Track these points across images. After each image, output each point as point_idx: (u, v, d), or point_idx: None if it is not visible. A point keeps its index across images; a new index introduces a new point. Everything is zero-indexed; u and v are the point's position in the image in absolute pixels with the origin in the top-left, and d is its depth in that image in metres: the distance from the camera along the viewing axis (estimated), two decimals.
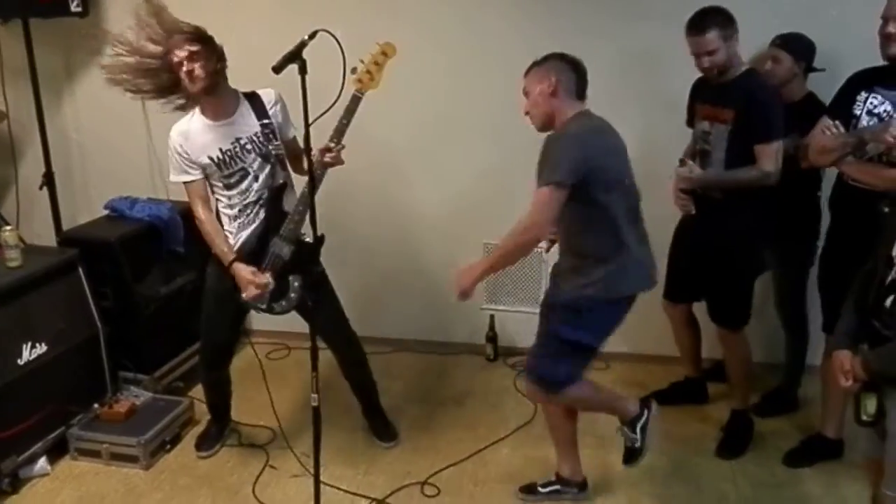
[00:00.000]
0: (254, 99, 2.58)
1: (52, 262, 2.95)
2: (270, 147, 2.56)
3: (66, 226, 3.50)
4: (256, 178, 2.58)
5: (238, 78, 2.60)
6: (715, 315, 2.83)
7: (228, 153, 2.54)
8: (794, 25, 2.84)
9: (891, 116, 2.38)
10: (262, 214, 2.60)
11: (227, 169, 2.56)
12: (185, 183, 2.61)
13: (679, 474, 2.77)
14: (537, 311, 2.50)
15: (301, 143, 2.53)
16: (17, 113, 3.65)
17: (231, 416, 3.03)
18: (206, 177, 2.60)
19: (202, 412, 3.07)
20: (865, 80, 2.47)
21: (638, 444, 2.44)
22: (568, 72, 2.24)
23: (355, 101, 2.46)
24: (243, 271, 2.53)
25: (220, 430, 2.98)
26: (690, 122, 2.88)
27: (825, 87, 2.78)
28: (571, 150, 2.16)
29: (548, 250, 2.63)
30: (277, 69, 2.01)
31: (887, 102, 2.41)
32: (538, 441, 2.89)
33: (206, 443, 2.95)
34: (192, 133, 2.54)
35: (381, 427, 2.99)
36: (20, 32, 3.33)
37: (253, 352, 3.01)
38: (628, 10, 3.13)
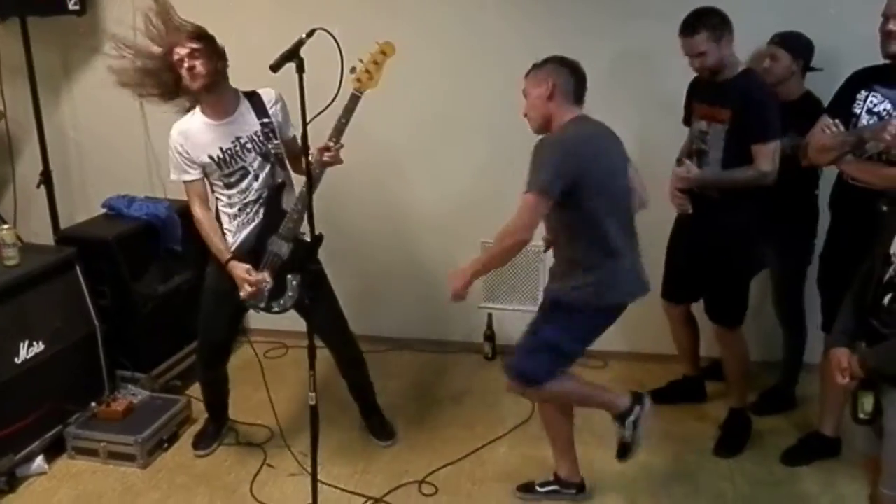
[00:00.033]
0: (254, 98, 2.58)
1: (49, 260, 2.94)
2: (270, 146, 2.56)
3: (63, 224, 3.49)
4: (257, 177, 2.58)
5: (237, 77, 2.59)
6: (712, 313, 2.84)
7: (229, 152, 2.54)
8: (792, 24, 2.83)
9: (890, 115, 2.37)
10: (261, 213, 2.60)
11: (227, 168, 2.56)
12: (184, 182, 2.61)
13: (677, 473, 2.77)
14: (535, 309, 2.51)
15: (300, 143, 2.55)
16: (15, 111, 3.64)
17: (228, 414, 3.03)
18: (206, 175, 2.60)
19: (200, 411, 3.07)
20: (866, 79, 2.47)
21: (629, 439, 2.43)
22: (566, 76, 2.25)
23: (354, 100, 2.46)
24: (238, 269, 2.54)
25: (217, 429, 2.98)
26: (687, 120, 2.87)
27: (823, 85, 2.78)
28: (557, 158, 2.16)
29: (546, 250, 2.63)
30: (275, 68, 2.01)
31: (887, 101, 2.41)
32: (536, 440, 2.89)
33: (203, 441, 2.94)
34: (193, 132, 2.54)
35: (378, 426, 2.99)
36: (18, 31, 3.32)
37: (250, 351, 3.01)
38: (626, 9, 3.13)
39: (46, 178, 3.47)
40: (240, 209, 2.60)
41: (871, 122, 2.41)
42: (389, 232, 3.60)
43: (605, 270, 2.25)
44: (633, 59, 3.15)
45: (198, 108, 2.56)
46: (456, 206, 3.45)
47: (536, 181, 2.15)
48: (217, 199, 2.65)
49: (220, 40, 2.50)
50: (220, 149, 2.53)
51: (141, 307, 3.19)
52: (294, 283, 2.59)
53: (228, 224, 2.63)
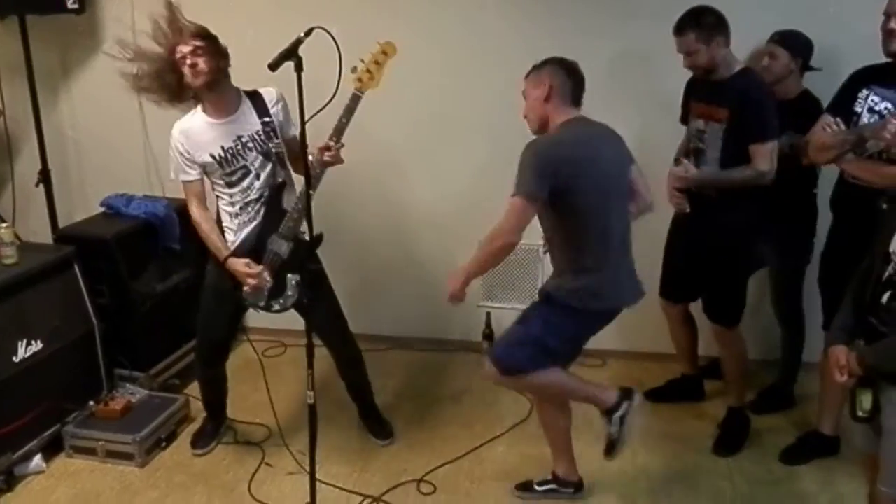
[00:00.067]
0: (255, 97, 2.58)
1: (48, 259, 2.94)
2: (271, 145, 2.57)
3: (62, 223, 3.48)
4: (258, 177, 2.58)
5: (236, 76, 2.59)
6: (710, 313, 2.84)
7: (230, 151, 2.54)
8: (792, 23, 2.84)
9: (891, 114, 2.37)
10: (262, 212, 2.60)
11: (228, 167, 2.56)
12: (182, 182, 2.61)
13: (675, 472, 2.77)
14: None
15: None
16: (14, 110, 3.63)
17: (227, 413, 3.02)
18: (208, 175, 2.60)
19: (198, 410, 3.07)
20: (867, 78, 2.47)
21: (615, 436, 2.39)
22: (563, 77, 2.25)
23: (355, 100, 2.46)
24: (237, 265, 2.54)
25: (215, 428, 2.98)
26: (684, 119, 2.88)
27: (821, 84, 2.78)
28: (537, 161, 2.16)
29: (546, 251, 2.63)
30: (273, 66, 2.01)
31: (887, 100, 2.40)
32: (534, 438, 2.89)
33: (201, 440, 2.94)
34: (194, 130, 2.55)
35: (376, 425, 2.99)
36: (17, 29, 3.32)
37: (249, 349, 3.01)
38: (626, 9, 3.13)
39: (45, 177, 3.47)
40: (241, 208, 2.60)
41: (872, 120, 2.41)
42: (389, 231, 3.60)
43: (596, 276, 2.24)
44: (632, 59, 3.15)
45: (199, 107, 2.56)
46: (455, 205, 3.45)
47: (520, 185, 2.17)
48: (218, 197, 2.65)
49: (220, 40, 2.50)
50: (222, 147, 2.53)
51: (139, 306, 3.19)
52: (294, 282, 2.59)
53: (229, 223, 2.63)
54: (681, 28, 2.59)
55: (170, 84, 2.50)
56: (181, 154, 2.55)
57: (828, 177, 2.79)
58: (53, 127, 3.66)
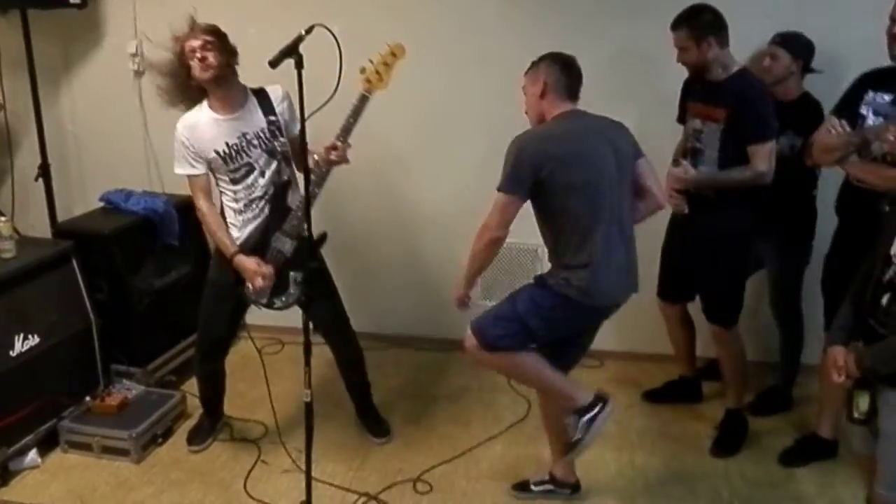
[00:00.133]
0: (261, 95, 2.59)
1: (46, 253, 2.94)
2: (276, 143, 2.57)
3: (61, 217, 3.47)
4: (262, 174, 2.58)
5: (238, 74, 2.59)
6: (708, 313, 2.83)
7: (234, 147, 2.54)
8: (793, 25, 2.83)
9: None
10: (267, 210, 2.60)
11: (232, 163, 2.56)
12: (188, 176, 2.61)
13: (673, 473, 2.76)
14: None
15: (307, 142, 2.56)
16: (15, 104, 3.63)
17: (223, 410, 3.02)
18: (212, 171, 2.60)
19: (194, 406, 3.06)
20: (873, 81, 2.46)
21: (579, 436, 2.32)
22: (558, 73, 2.26)
23: (363, 100, 2.46)
24: (248, 263, 2.54)
25: (212, 425, 2.97)
26: (682, 119, 2.87)
27: (822, 86, 2.78)
28: (516, 156, 2.18)
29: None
30: (274, 63, 2.02)
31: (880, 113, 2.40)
32: (531, 438, 2.88)
33: (198, 437, 2.93)
34: (199, 126, 2.55)
35: (373, 423, 2.98)
36: (18, 23, 3.31)
37: (246, 346, 3.00)
38: (625, 8, 3.13)
39: (44, 171, 3.46)
40: (245, 205, 2.60)
41: (877, 123, 2.40)
42: (389, 229, 3.60)
43: (580, 272, 2.20)
44: (631, 58, 3.15)
45: (205, 103, 2.56)
46: (457, 204, 3.44)
47: (502, 181, 2.19)
48: (222, 193, 2.65)
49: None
50: (226, 144, 2.54)
51: (137, 302, 3.18)
52: (297, 280, 2.58)
53: (233, 219, 2.63)
54: (676, 24, 2.62)
55: (181, 81, 2.52)
56: (186, 147, 2.55)
57: (828, 179, 2.78)
58: (54, 121, 3.66)
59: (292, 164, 2.65)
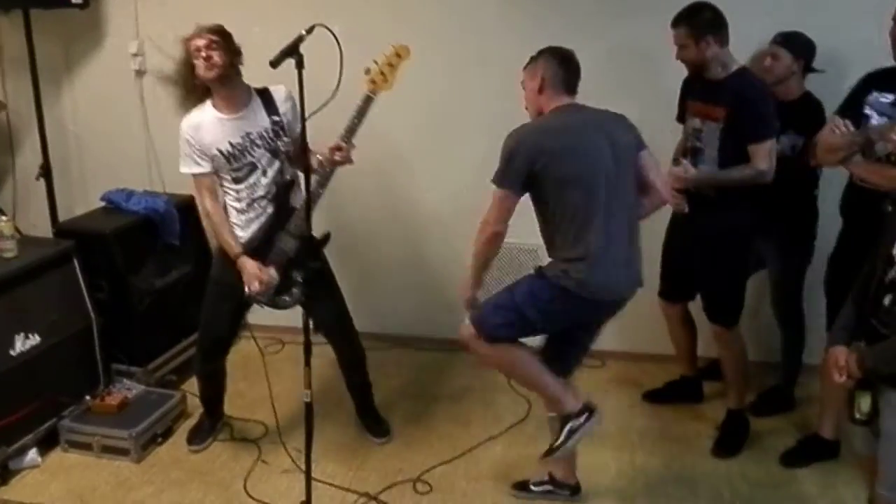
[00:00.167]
0: (265, 95, 2.59)
1: (47, 253, 2.94)
2: (279, 143, 2.57)
3: (62, 217, 3.48)
4: (265, 174, 2.59)
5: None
6: (709, 313, 2.82)
7: (238, 146, 2.55)
8: (794, 25, 2.82)
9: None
10: (270, 210, 2.60)
11: (235, 162, 2.56)
12: (193, 175, 2.61)
13: (674, 474, 2.75)
14: None
15: (310, 142, 2.55)
16: (16, 103, 3.65)
17: (224, 410, 3.01)
18: (216, 170, 2.60)
19: (194, 406, 3.06)
20: (877, 81, 2.46)
21: (559, 443, 2.33)
22: (555, 67, 2.26)
23: (368, 101, 2.47)
24: (249, 265, 2.54)
25: (212, 424, 2.97)
26: (681, 118, 2.87)
27: (824, 85, 2.77)
28: (515, 151, 2.19)
29: None
30: (274, 64, 2.02)
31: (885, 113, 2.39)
32: (532, 439, 2.88)
33: (198, 436, 2.93)
34: (203, 125, 2.55)
35: (373, 423, 2.98)
36: (21, 23, 3.32)
37: (246, 346, 3.00)
38: (625, 7, 3.12)
39: (46, 171, 3.46)
40: (248, 204, 2.61)
41: (881, 123, 2.39)
42: (391, 229, 3.59)
43: (579, 265, 2.18)
44: (631, 57, 3.14)
45: (209, 102, 2.57)
46: (458, 203, 3.42)
47: (497, 174, 2.20)
48: (225, 193, 2.65)
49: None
50: (230, 143, 2.54)
51: (138, 301, 3.18)
52: (299, 279, 2.58)
53: (236, 219, 2.63)
54: (676, 21, 2.62)
55: (186, 79, 2.53)
56: (191, 146, 2.56)
57: (830, 179, 2.78)
58: (55, 121, 3.67)
59: (295, 164, 2.65)
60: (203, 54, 2.44)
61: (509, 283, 2.96)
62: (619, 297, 2.28)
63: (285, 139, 2.58)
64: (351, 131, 2.47)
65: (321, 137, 2.54)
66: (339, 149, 2.46)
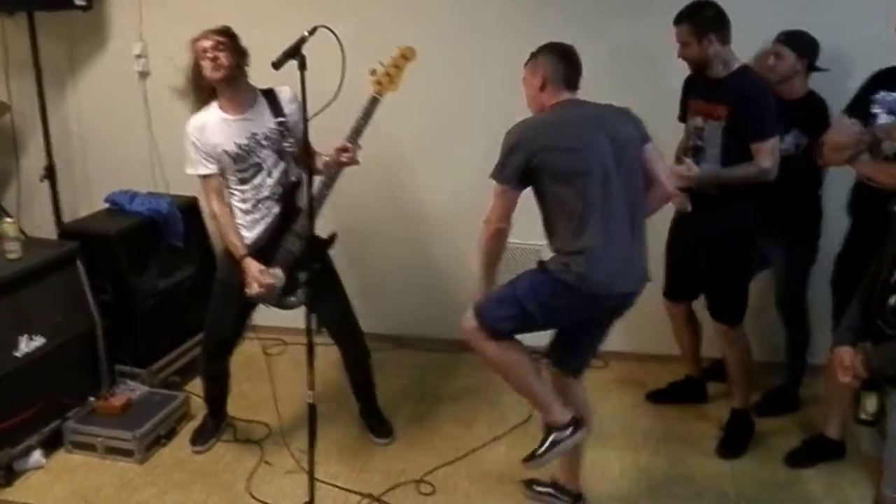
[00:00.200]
0: (271, 96, 2.60)
1: (51, 254, 2.95)
2: (285, 144, 2.58)
3: (66, 218, 3.50)
4: (270, 174, 2.59)
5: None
6: (713, 311, 2.81)
7: (244, 147, 2.56)
8: (798, 23, 2.81)
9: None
10: (275, 210, 2.61)
11: (241, 163, 2.57)
12: (200, 176, 2.61)
13: (678, 474, 2.74)
14: None
15: (314, 143, 2.56)
16: (21, 105, 3.65)
17: (227, 411, 3.01)
18: (222, 170, 2.60)
19: (198, 407, 3.06)
20: (884, 80, 2.45)
21: (541, 452, 2.34)
22: (555, 64, 2.25)
23: (373, 102, 2.48)
24: (252, 267, 2.55)
25: (215, 426, 2.97)
26: (683, 117, 2.86)
27: (828, 84, 2.76)
28: (511, 147, 2.19)
29: None
30: (277, 65, 2.03)
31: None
32: (536, 439, 2.81)
33: (201, 438, 2.93)
34: (209, 126, 2.56)
35: (377, 424, 2.98)
36: (25, 25, 3.34)
37: (250, 347, 3.00)
38: (626, 6, 3.12)
39: (50, 172, 3.48)
40: (253, 205, 2.61)
41: (889, 121, 2.39)
42: (394, 229, 3.59)
43: (579, 258, 2.16)
44: (633, 56, 3.14)
45: (214, 103, 2.57)
46: (461, 202, 3.42)
47: (495, 169, 2.21)
48: (231, 194, 2.65)
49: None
50: (236, 144, 2.55)
51: (141, 302, 3.19)
52: (304, 280, 2.59)
53: (241, 219, 2.64)
54: (678, 19, 2.62)
55: (195, 80, 2.54)
56: (197, 148, 2.56)
57: (835, 178, 2.76)
58: (59, 122, 3.67)
59: (301, 165, 2.65)
60: (210, 55, 2.45)
61: (508, 279, 2.95)
62: (620, 293, 2.23)
63: (290, 140, 2.58)
64: (357, 132, 2.48)
65: (325, 138, 2.55)
66: (344, 150, 2.47)
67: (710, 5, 2.58)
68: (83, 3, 3.37)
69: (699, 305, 2.95)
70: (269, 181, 2.59)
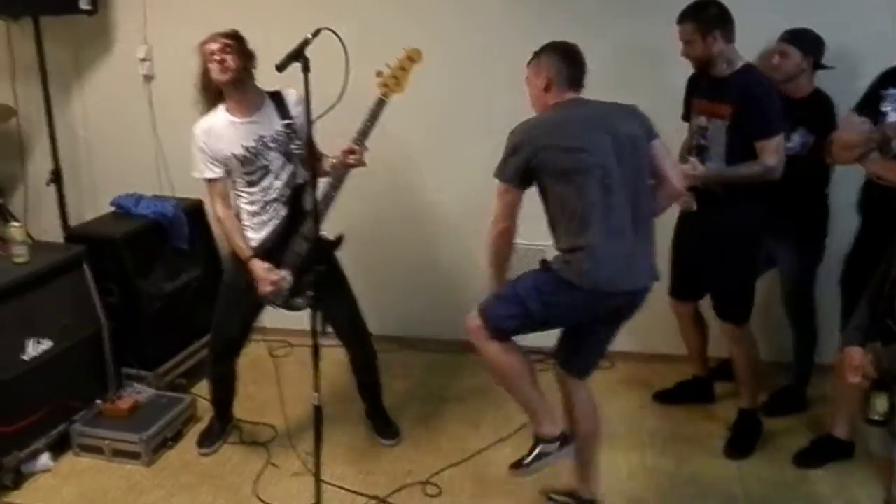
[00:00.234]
0: (278, 98, 2.61)
1: (57, 258, 2.95)
2: (292, 146, 2.58)
3: (72, 222, 3.51)
4: (278, 177, 2.60)
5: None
6: (719, 311, 2.80)
7: (252, 150, 2.56)
8: (802, 21, 2.80)
9: None
10: (283, 212, 2.61)
11: (249, 166, 2.58)
12: (206, 180, 2.62)
13: (686, 474, 2.73)
14: None
15: (320, 146, 2.57)
16: (27, 109, 3.66)
17: (233, 413, 3.02)
18: (229, 173, 2.61)
19: (204, 409, 3.07)
20: (895, 78, 2.43)
21: (527, 462, 2.34)
22: (559, 65, 2.24)
23: (380, 104, 2.49)
24: (259, 267, 2.55)
25: (222, 428, 2.97)
26: (686, 116, 2.85)
27: (834, 82, 2.74)
28: (512, 148, 2.20)
29: None
30: (280, 67, 2.03)
31: None
32: None
33: (207, 440, 2.94)
34: (216, 129, 2.56)
35: (383, 425, 2.98)
36: (31, 30, 3.35)
37: (256, 349, 3.00)
38: (629, 4, 3.12)
39: (56, 176, 3.49)
40: (261, 207, 2.62)
41: None
42: (401, 230, 3.59)
43: (580, 255, 2.15)
44: (636, 55, 3.13)
45: (221, 106, 2.58)
46: (466, 203, 3.42)
47: (497, 169, 2.22)
48: (238, 196, 2.66)
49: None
50: (243, 146, 2.55)
51: (147, 305, 3.19)
52: (311, 282, 2.59)
53: (248, 221, 2.64)
54: (682, 17, 2.61)
55: (204, 85, 2.55)
56: (204, 152, 2.57)
57: (845, 176, 2.74)
58: (65, 126, 3.69)
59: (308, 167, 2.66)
60: (217, 58, 2.46)
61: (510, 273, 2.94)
62: (623, 291, 2.20)
63: (298, 142, 2.58)
64: (364, 134, 2.49)
65: (332, 141, 2.55)
66: (351, 152, 2.48)
67: (713, 3, 2.58)
68: (88, 8, 3.37)
69: (705, 305, 2.93)
70: (278, 183, 2.60)
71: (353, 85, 2.12)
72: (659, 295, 2.58)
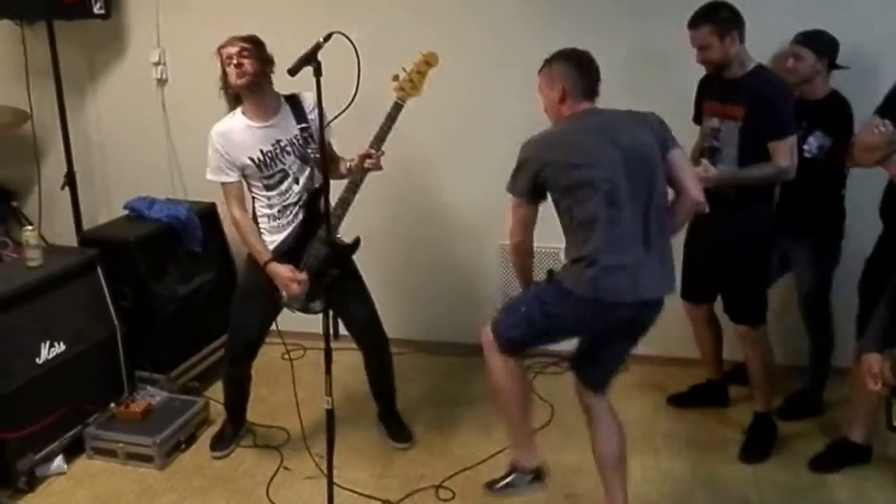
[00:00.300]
0: (295, 102, 2.61)
1: (71, 261, 2.97)
2: (309, 150, 2.59)
3: (86, 225, 3.52)
4: (297, 181, 2.60)
5: None
6: (732, 312, 2.78)
7: (269, 154, 2.57)
8: (815, 23, 2.78)
9: None
10: (300, 216, 2.62)
11: (267, 170, 2.58)
12: (222, 183, 2.62)
13: (700, 479, 2.71)
14: None
15: (337, 149, 2.57)
16: (41, 114, 3.69)
17: (247, 416, 3.02)
18: (246, 177, 2.62)
19: (217, 412, 3.07)
20: None
21: (500, 485, 2.37)
22: (573, 74, 2.20)
23: (397, 108, 2.50)
24: (281, 270, 2.55)
25: (235, 431, 2.98)
26: (697, 119, 2.84)
27: (851, 83, 2.72)
28: (521, 163, 2.20)
29: None
30: (293, 72, 2.03)
31: None
32: (555, 445, 2.85)
33: (220, 443, 2.94)
34: (234, 133, 2.57)
35: (396, 428, 2.97)
36: (44, 34, 3.38)
37: (269, 352, 3.00)
38: (641, 8, 3.11)
39: (70, 180, 3.51)
40: (279, 211, 2.63)
41: None
42: (416, 233, 3.59)
43: (583, 264, 2.12)
44: (648, 58, 3.12)
45: (238, 110, 2.59)
46: (481, 207, 3.42)
47: (508, 184, 2.23)
48: (255, 200, 2.66)
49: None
50: (261, 151, 2.56)
51: (161, 308, 3.20)
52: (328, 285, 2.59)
53: (266, 225, 2.65)
54: (695, 21, 2.59)
55: (223, 88, 2.56)
56: (220, 155, 2.57)
57: (862, 180, 2.72)
58: (79, 130, 3.71)
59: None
60: (234, 62, 2.46)
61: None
62: (630, 302, 2.14)
63: (314, 146, 2.59)
64: (380, 138, 2.50)
65: (348, 145, 2.55)
66: (368, 156, 2.48)
67: (724, 5, 2.56)
68: (102, 12, 3.40)
69: (720, 308, 2.91)
70: (296, 187, 2.61)
71: (367, 89, 2.13)
72: (673, 299, 2.56)
